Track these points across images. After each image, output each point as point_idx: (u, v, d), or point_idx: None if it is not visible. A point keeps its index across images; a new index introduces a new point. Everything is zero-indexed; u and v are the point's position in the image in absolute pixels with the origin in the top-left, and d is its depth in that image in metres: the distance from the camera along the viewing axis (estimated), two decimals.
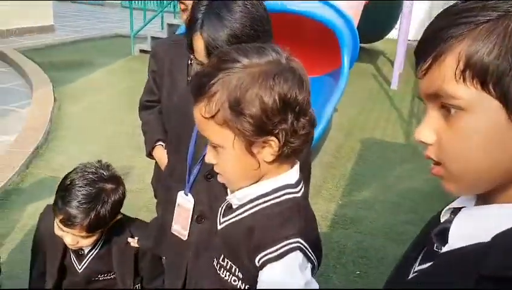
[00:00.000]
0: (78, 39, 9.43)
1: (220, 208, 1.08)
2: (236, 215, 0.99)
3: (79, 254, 1.71)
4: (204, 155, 1.32)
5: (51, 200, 3.35)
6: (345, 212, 3.45)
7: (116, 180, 1.64)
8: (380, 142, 4.98)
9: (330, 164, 4.31)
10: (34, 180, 3.54)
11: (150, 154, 1.91)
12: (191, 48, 1.28)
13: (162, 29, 8.41)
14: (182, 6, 1.68)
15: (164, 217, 1.57)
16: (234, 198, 1.00)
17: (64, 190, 1.56)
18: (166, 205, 1.57)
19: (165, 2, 8.87)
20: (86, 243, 1.61)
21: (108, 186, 1.60)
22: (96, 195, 1.55)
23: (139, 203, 3.33)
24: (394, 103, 6.39)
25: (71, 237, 1.58)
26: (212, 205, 1.36)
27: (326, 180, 3.91)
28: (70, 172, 1.62)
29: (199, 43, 1.22)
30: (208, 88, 0.89)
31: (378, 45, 9.61)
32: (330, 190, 3.75)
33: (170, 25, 7.96)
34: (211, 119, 0.90)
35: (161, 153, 1.81)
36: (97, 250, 1.71)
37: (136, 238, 1.71)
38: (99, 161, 1.67)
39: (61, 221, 1.55)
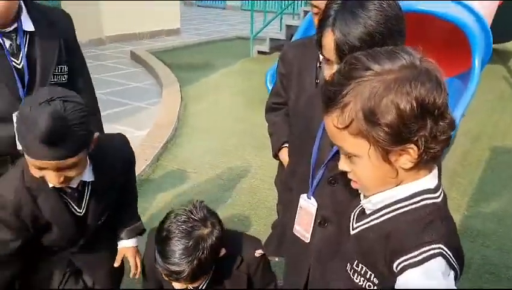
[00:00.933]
0: (201, 41, 10.03)
1: (353, 213, 1.08)
2: (371, 221, 0.99)
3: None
4: (329, 160, 1.34)
5: (176, 191, 3.61)
6: (471, 223, 3.21)
7: (210, 221, 1.57)
8: (511, 150, 4.55)
9: (456, 171, 4.04)
10: (163, 172, 3.85)
11: (276, 156, 1.96)
12: (320, 46, 1.27)
13: (281, 30, 8.57)
14: (315, 10, 1.69)
15: (285, 217, 1.60)
16: (369, 203, 0.99)
17: (162, 243, 1.51)
18: (287, 206, 1.60)
19: (284, 3, 9.02)
20: (195, 285, 1.59)
21: (205, 231, 1.53)
22: (194, 246, 1.49)
23: (255, 200, 3.45)
24: None
25: (179, 285, 1.56)
26: (336, 210, 1.36)
27: (451, 189, 3.67)
28: (165, 220, 1.57)
29: (330, 40, 1.21)
30: (340, 98, 0.88)
31: (509, 45, 8.76)
32: (455, 200, 3.52)
33: (289, 26, 8.07)
34: (344, 130, 0.90)
35: (287, 155, 1.85)
36: (207, 280, 1.66)
37: (259, 250, 1.73)
38: (191, 202, 1.60)
39: (165, 275, 1.54)
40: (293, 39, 6.32)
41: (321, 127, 1.37)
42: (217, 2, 17.39)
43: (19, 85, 1.53)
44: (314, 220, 1.44)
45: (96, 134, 1.39)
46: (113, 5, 9.01)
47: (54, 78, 1.60)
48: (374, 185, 0.96)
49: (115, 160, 1.57)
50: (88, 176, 1.47)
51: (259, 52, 8.35)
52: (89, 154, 1.43)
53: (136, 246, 1.81)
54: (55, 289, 1.67)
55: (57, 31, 1.60)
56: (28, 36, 1.55)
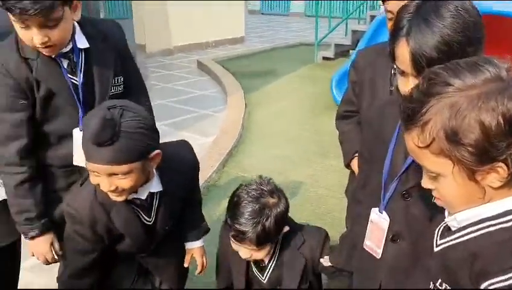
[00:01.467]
0: (265, 49, 10.13)
1: (437, 230, 1.03)
2: (456, 238, 0.94)
3: (260, 265, 1.82)
4: (402, 173, 1.29)
5: None
6: None
7: (277, 194, 1.72)
8: None
9: None
10: (229, 178, 3.91)
11: (347, 165, 1.93)
12: (393, 56, 1.23)
13: (346, 35, 8.45)
14: (389, 15, 1.64)
15: (354, 230, 1.55)
16: (454, 221, 0.94)
17: (233, 208, 1.69)
18: (356, 219, 1.55)
19: (350, 8, 8.89)
20: (259, 255, 1.71)
21: (271, 200, 1.68)
22: (260, 210, 1.64)
23: (321, 209, 3.39)
24: None
25: (244, 251, 1.70)
26: (410, 225, 1.31)
27: None
28: (237, 190, 1.76)
29: (404, 50, 1.16)
30: (419, 116, 0.84)
31: None
32: None
33: (354, 32, 7.94)
34: (426, 149, 0.86)
35: None
36: (275, 261, 1.80)
37: (326, 257, 1.75)
38: (260, 177, 1.77)
39: (233, 236, 1.69)
40: (360, 44, 6.20)
41: (394, 137, 1.32)
42: (280, 9, 17.50)
43: (79, 102, 1.58)
44: (386, 236, 1.39)
45: (158, 151, 1.41)
46: (181, 16, 9.33)
47: (111, 90, 1.65)
48: (459, 203, 0.91)
49: (180, 168, 1.60)
50: (155, 187, 1.52)
51: (324, 58, 8.29)
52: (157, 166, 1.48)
53: (202, 246, 1.88)
54: (127, 289, 1.74)
55: (111, 43, 1.64)
56: (83, 53, 1.59)
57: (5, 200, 1.65)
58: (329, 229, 3.05)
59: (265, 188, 1.70)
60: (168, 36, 9.37)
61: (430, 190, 0.95)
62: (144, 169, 1.39)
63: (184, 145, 1.72)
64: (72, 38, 1.54)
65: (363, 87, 1.75)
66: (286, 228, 1.74)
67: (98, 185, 1.37)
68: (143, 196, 1.50)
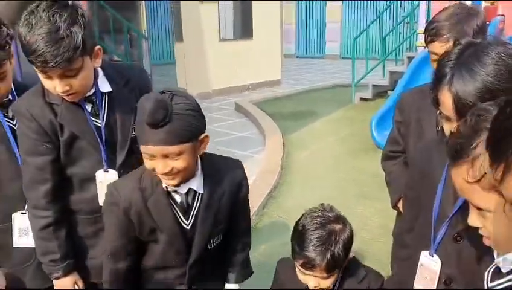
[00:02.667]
0: (301, 91, 10.24)
1: (487, 272, 1.00)
2: (508, 280, 0.92)
3: None
4: (452, 215, 1.26)
5: (282, 240, 3.60)
6: None
7: (342, 220, 1.71)
8: None
9: None
10: (269, 221, 3.90)
11: (395, 206, 1.91)
12: (436, 102, 1.24)
13: (384, 76, 8.47)
14: (434, 57, 1.67)
15: (400, 274, 1.52)
16: (506, 261, 0.92)
17: (299, 236, 1.68)
18: (403, 263, 1.52)
19: (387, 49, 8.95)
20: (326, 283, 1.68)
21: (337, 227, 1.67)
22: (328, 236, 1.63)
23: (365, 252, 3.32)
24: None
25: (313, 280, 1.67)
26: (462, 269, 1.27)
27: None
28: (300, 219, 1.74)
29: (447, 99, 1.17)
30: (468, 151, 0.85)
31: None
32: None
33: (392, 73, 7.95)
34: (475, 184, 0.85)
35: None
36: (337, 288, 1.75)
37: None
38: (322, 204, 1.76)
39: (301, 265, 1.66)
40: (399, 85, 6.21)
41: (442, 178, 1.30)
42: (315, 52, 17.78)
43: (101, 144, 1.63)
44: (438, 279, 1.35)
45: (207, 134, 1.46)
46: (220, 60, 9.65)
47: (133, 131, 1.67)
48: (509, 243, 0.87)
49: (225, 177, 1.60)
50: (197, 185, 1.52)
51: (362, 99, 8.29)
52: (202, 166, 1.52)
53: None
54: None
55: (133, 86, 1.68)
56: (106, 96, 1.65)
57: None
58: None
59: (329, 215, 1.71)
60: (207, 80, 9.66)
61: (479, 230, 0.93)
62: (194, 152, 1.43)
63: (235, 162, 1.69)
64: (95, 82, 1.61)
65: (409, 128, 1.77)
66: (351, 255, 1.74)
67: (153, 169, 1.42)
68: (183, 190, 1.51)
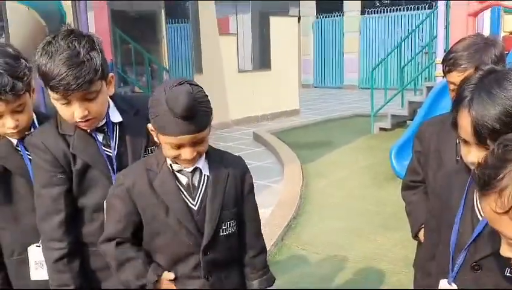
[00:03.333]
0: (320, 120, 10.26)
1: None
2: None
3: None
4: (470, 243, 1.25)
5: (301, 273, 3.54)
6: None
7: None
8: None
9: None
10: (288, 253, 3.83)
11: (415, 237, 1.89)
12: (455, 125, 1.25)
13: (402, 106, 8.44)
14: (451, 86, 1.67)
15: None
16: None
17: None
18: None
19: (406, 80, 8.95)
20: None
21: None
22: None
23: (387, 285, 3.24)
24: None
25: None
26: None
27: None
28: None
29: (466, 122, 1.18)
30: (496, 182, 0.84)
31: None
32: None
33: (411, 102, 7.92)
34: (504, 214, 0.84)
35: None
36: None
37: None
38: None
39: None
40: (418, 115, 6.17)
41: (461, 206, 1.30)
42: (333, 82, 17.88)
43: (113, 173, 1.65)
44: None
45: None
46: (238, 90, 9.78)
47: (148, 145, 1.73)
48: None
49: (229, 162, 1.65)
50: (202, 166, 1.56)
51: (381, 129, 8.25)
52: (206, 154, 1.57)
53: None
54: None
55: (143, 116, 1.67)
56: (117, 127, 1.69)
57: None
58: None
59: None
60: (226, 110, 9.77)
61: (501, 261, 0.92)
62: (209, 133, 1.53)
63: (239, 158, 1.74)
64: (107, 113, 1.66)
65: (429, 157, 1.76)
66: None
67: (175, 157, 1.48)
68: (189, 168, 1.55)
